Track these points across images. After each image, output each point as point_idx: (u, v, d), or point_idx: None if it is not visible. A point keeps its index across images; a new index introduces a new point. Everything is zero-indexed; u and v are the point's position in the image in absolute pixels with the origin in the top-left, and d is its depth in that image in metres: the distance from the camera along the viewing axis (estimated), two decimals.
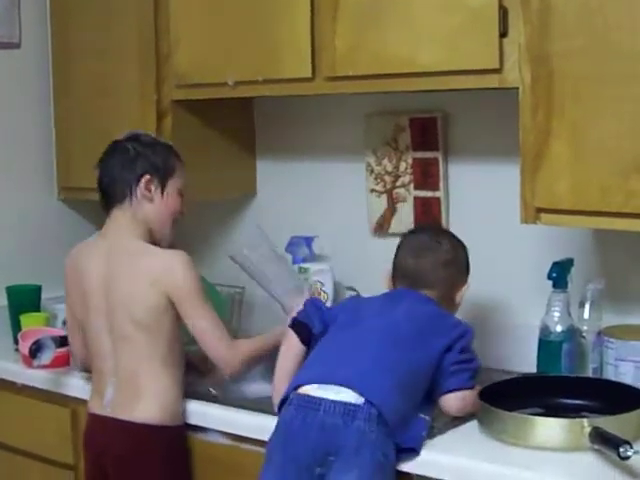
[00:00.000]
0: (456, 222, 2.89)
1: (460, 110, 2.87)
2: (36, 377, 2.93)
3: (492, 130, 2.80)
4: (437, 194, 2.92)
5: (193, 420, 2.58)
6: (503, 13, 2.36)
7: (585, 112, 2.22)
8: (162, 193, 2.63)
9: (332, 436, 2.15)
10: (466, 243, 2.56)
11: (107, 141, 2.70)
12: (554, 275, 2.54)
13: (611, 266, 2.64)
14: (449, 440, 2.25)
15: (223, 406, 2.58)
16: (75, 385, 2.84)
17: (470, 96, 2.74)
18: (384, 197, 3.03)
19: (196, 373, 2.75)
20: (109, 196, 2.62)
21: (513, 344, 2.75)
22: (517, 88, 2.33)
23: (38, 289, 3.19)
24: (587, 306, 2.56)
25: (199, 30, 2.97)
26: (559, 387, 2.38)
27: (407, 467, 2.19)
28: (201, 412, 2.58)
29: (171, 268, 2.53)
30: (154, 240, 2.62)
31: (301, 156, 3.25)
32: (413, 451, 2.18)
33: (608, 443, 2.01)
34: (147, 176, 2.61)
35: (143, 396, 2.53)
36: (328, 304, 2.97)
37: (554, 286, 2.55)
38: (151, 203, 2.62)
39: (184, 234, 3.18)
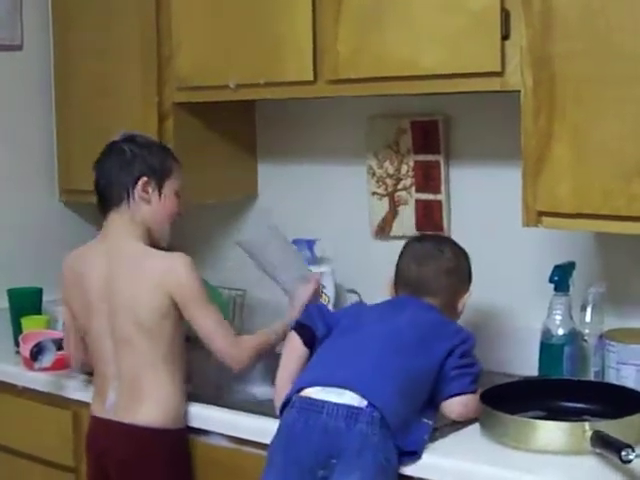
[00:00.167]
0: (457, 225, 2.89)
1: (462, 113, 2.87)
2: (37, 380, 2.93)
3: (494, 133, 2.80)
4: (439, 197, 2.92)
5: (195, 423, 2.58)
6: (505, 16, 2.36)
7: (587, 115, 2.22)
8: (159, 194, 2.63)
9: (335, 439, 2.15)
10: (467, 246, 2.56)
11: None
12: (556, 278, 2.54)
13: (613, 269, 2.63)
14: (451, 443, 2.25)
15: (225, 409, 2.57)
16: (76, 387, 2.84)
17: (472, 99, 2.74)
18: (386, 200, 3.03)
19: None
20: (106, 198, 2.62)
21: (515, 347, 2.75)
22: (519, 91, 2.33)
23: (39, 292, 3.19)
24: (589, 309, 2.55)
25: (201, 33, 2.97)
26: (561, 390, 2.38)
27: (409, 470, 2.19)
28: (203, 415, 2.57)
29: (173, 270, 2.53)
30: (153, 241, 2.62)
31: (302, 159, 3.25)
32: (415, 454, 2.18)
33: (610, 447, 2.01)
34: (144, 178, 2.60)
35: (145, 399, 2.53)
36: (330, 307, 2.97)
37: (556, 289, 2.55)
38: (149, 205, 2.61)
39: (185, 236, 3.19)
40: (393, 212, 3.02)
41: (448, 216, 2.91)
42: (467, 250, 2.56)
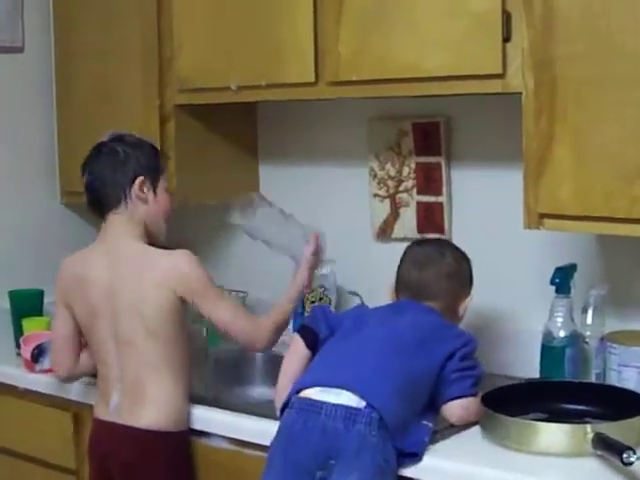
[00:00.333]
0: (459, 227, 2.89)
1: (463, 115, 2.87)
2: (38, 381, 2.93)
3: (495, 135, 2.80)
4: (440, 199, 2.92)
5: (196, 425, 2.58)
6: (506, 18, 2.36)
7: (588, 117, 2.22)
8: (154, 193, 2.63)
9: (333, 440, 2.16)
10: (468, 248, 2.56)
11: None
12: (557, 280, 2.54)
13: (614, 272, 2.63)
14: (452, 445, 2.24)
15: (226, 411, 2.57)
16: (77, 389, 2.83)
17: (473, 101, 2.74)
18: (387, 202, 3.03)
19: None
20: (102, 200, 2.61)
21: (516, 349, 2.75)
22: (520, 93, 2.32)
23: (40, 293, 3.18)
24: (590, 312, 2.55)
25: (202, 34, 2.97)
26: (562, 392, 2.38)
27: (410, 472, 2.18)
28: (204, 417, 2.57)
29: (178, 266, 2.53)
30: (151, 240, 2.63)
31: (304, 160, 3.25)
32: (416, 456, 2.18)
33: (611, 449, 2.01)
34: (140, 177, 2.60)
35: (148, 402, 2.52)
36: (331, 308, 2.97)
37: (557, 291, 2.55)
38: (146, 204, 2.62)
39: (187, 237, 3.19)
40: (394, 214, 3.02)
41: (449, 218, 2.91)
42: (468, 252, 2.56)
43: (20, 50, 3.44)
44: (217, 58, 2.93)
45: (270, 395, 2.55)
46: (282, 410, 2.29)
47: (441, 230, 2.91)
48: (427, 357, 2.30)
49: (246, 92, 2.88)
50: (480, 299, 2.58)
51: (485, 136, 2.83)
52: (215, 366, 2.89)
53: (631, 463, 1.95)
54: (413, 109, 2.93)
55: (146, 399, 2.53)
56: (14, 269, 3.35)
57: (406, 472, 2.18)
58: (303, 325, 2.52)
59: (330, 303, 3.05)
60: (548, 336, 2.55)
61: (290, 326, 3.01)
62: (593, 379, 2.54)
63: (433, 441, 2.23)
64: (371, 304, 2.61)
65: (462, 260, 2.54)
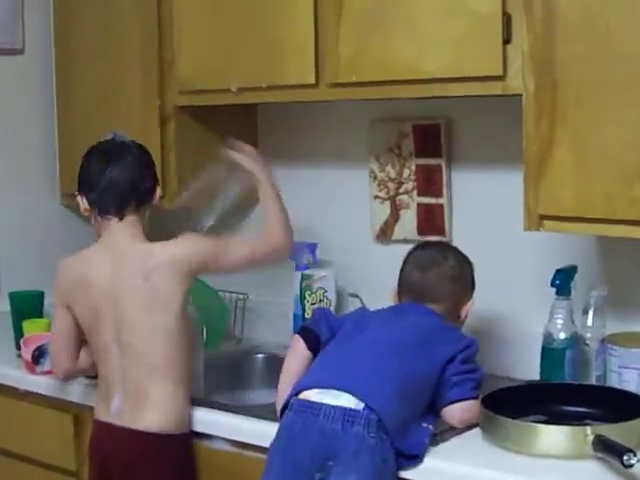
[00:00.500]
0: (459, 229, 2.89)
1: (463, 117, 2.87)
2: (39, 383, 2.92)
3: (495, 137, 2.79)
4: (440, 201, 2.92)
5: (197, 427, 2.57)
6: (506, 20, 2.36)
7: (588, 119, 2.22)
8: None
9: (331, 441, 2.16)
10: (469, 250, 2.56)
11: None
12: (557, 282, 2.54)
13: (615, 273, 2.63)
14: (452, 447, 2.24)
15: (227, 413, 2.57)
16: (78, 391, 2.83)
17: (474, 103, 2.74)
18: (387, 204, 3.03)
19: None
20: (123, 200, 2.59)
21: (516, 351, 2.74)
22: (521, 95, 2.32)
23: (41, 295, 3.18)
24: (590, 313, 2.55)
25: (202, 36, 2.97)
26: (562, 394, 2.38)
27: (410, 474, 2.18)
28: (205, 419, 2.57)
29: (179, 253, 2.56)
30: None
31: (304, 162, 3.25)
32: (416, 458, 2.18)
33: (611, 451, 2.01)
34: (158, 185, 2.66)
35: (150, 404, 2.52)
36: (331, 310, 2.97)
37: (557, 293, 2.54)
38: (151, 203, 2.66)
39: None
40: (395, 216, 3.02)
41: (450, 220, 2.91)
42: (468, 254, 2.56)
43: (20, 52, 3.45)
44: (217, 59, 2.93)
45: (271, 397, 2.55)
46: (282, 412, 2.29)
47: (441, 232, 2.91)
48: (428, 359, 2.30)
49: (246, 94, 2.88)
50: (480, 301, 2.58)
51: (485, 138, 2.83)
52: (215, 368, 2.89)
53: (631, 465, 1.95)
54: (413, 111, 2.93)
55: (148, 401, 2.52)
56: (14, 270, 3.35)
57: (406, 474, 2.18)
58: (304, 326, 2.53)
59: (330, 305, 3.05)
60: (548, 338, 2.55)
61: (291, 328, 3.03)
62: (593, 381, 2.53)
63: (433, 443, 2.23)
64: (371, 306, 2.61)
65: (465, 263, 2.54)
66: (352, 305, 2.94)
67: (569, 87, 2.24)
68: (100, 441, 2.61)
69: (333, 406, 2.18)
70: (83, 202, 2.65)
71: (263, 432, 2.38)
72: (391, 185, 3.02)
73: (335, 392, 2.21)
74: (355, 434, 2.14)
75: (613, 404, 2.28)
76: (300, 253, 3.09)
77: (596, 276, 2.63)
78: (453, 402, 2.31)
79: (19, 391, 3.00)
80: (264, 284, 3.30)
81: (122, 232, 2.60)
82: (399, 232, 3.01)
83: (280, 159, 3.30)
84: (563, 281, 2.54)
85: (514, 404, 2.29)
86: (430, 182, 2.93)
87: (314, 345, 2.45)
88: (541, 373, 2.57)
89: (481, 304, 2.63)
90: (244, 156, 2.77)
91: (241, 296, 3.29)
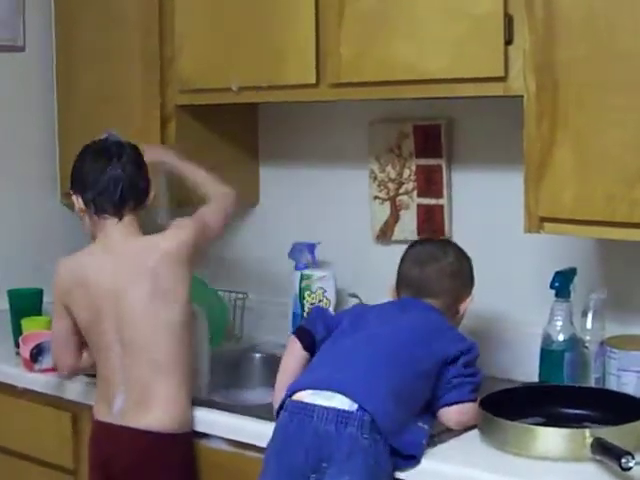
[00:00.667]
0: (459, 230, 2.89)
1: (464, 117, 2.87)
2: (37, 381, 2.92)
3: (496, 138, 2.79)
4: (440, 201, 2.92)
5: (196, 427, 2.57)
6: (508, 21, 2.36)
7: (589, 120, 2.22)
8: None
9: (325, 443, 2.15)
10: (469, 251, 2.56)
11: None
12: (557, 284, 2.53)
13: (614, 276, 2.63)
14: (450, 449, 2.24)
15: (226, 413, 2.57)
16: (76, 389, 2.83)
17: (474, 103, 2.74)
18: (387, 204, 3.03)
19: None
20: (122, 200, 2.59)
21: (515, 353, 2.74)
22: (522, 96, 2.32)
23: (40, 293, 3.18)
24: (590, 316, 2.55)
25: (203, 35, 2.97)
26: (561, 397, 2.38)
27: (408, 475, 2.18)
28: (204, 419, 2.57)
29: (180, 234, 2.59)
30: None
31: (304, 162, 3.25)
32: (414, 459, 2.17)
33: (610, 454, 2.01)
34: (150, 181, 2.66)
35: (154, 404, 2.51)
36: (330, 310, 2.97)
37: (557, 295, 2.54)
38: (146, 204, 2.68)
39: None
40: (395, 216, 3.01)
41: (450, 221, 2.91)
42: (468, 254, 2.56)
43: (21, 49, 3.44)
44: (218, 59, 2.93)
45: (269, 396, 2.54)
46: (278, 412, 2.29)
47: (441, 233, 2.91)
48: (426, 359, 2.30)
49: (247, 93, 2.88)
50: (480, 302, 2.58)
51: (486, 139, 2.83)
52: (215, 367, 2.88)
53: (629, 468, 1.95)
54: (414, 111, 2.93)
55: (152, 400, 2.51)
56: (13, 268, 3.35)
57: (404, 475, 2.18)
58: (300, 326, 2.53)
59: (329, 305, 3.05)
60: (547, 340, 2.55)
61: (290, 328, 3.02)
62: (592, 383, 2.53)
63: (431, 444, 2.23)
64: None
65: (464, 259, 2.54)
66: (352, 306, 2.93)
67: (570, 88, 2.23)
68: (102, 442, 2.59)
69: (326, 407, 2.17)
70: (78, 202, 2.64)
71: (262, 432, 2.37)
72: (391, 185, 3.01)
73: (328, 393, 2.20)
74: (348, 435, 2.14)
75: (612, 407, 2.28)
76: (300, 253, 3.09)
77: (595, 279, 2.63)
78: (451, 404, 2.30)
79: (17, 389, 3.00)
80: (264, 283, 3.30)
81: (120, 231, 2.60)
82: (399, 232, 3.00)
83: (280, 159, 3.31)
84: (562, 283, 2.54)
85: (513, 406, 2.29)
86: (430, 183, 2.93)
87: (310, 345, 2.44)
88: (540, 375, 2.57)
89: (480, 305, 2.63)
90: (148, 152, 2.76)
91: (240, 295, 3.29)
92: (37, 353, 2.86)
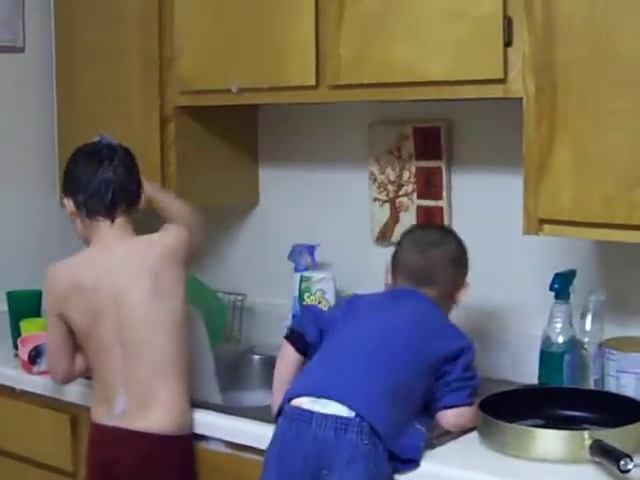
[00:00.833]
0: (458, 232, 2.86)
1: (464, 119, 2.87)
2: (35, 383, 2.92)
3: (496, 140, 2.79)
4: (440, 203, 2.92)
5: (195, 429, 2.56)
6: (507, 23, 2.36)
7: (588, 123, 2.22)
8: None
9: (324, 449, 2.14)
10: (468, 253, 2.56)
11: None
12: (556, 286, 2.53)
13: (613, 278, 2.63)
14: (449, 451, 2.24)
15: (225, 415, 2.57)
16: (75, 391, 2.83)
17: (474, 105, 2.74)
18: (387, 206, 3.02)
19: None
20: (114, 202, 2.59)
21: (515, 355, 2.74)
22: (521, 98, 2.32)
23: (38, 294, 3.17)
24: (589, 318, 2.55)
25: (203, 36, 2.97)
26: (560, 399, 2.37)
27: (407, 478, 2.18)
28: (202, 421, 2.56)
29: (174, 234, 2.61)
30: None
31: (304, 164, 3.25)
32: (413, 462, 2.17)
33: (609, 456, 2.01)
34: (142, 183, 2.67)
35: (155, 405, 2.51)
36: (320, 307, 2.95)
37: (556, 297, 2.54)
38: (139, 206, 2.67)
39: None
40: (394, 218, 3.01)
41: (449, 222, 2.90)
42: (468, 257, 2.55)
43: (21, 50, 3.44)
44: (218, 60, 2.93)
45: (268, 398, 2.54)
46: (276, 416, 2.27)
47: None
48: (425, 355, 2.27)
49: (247, 95, 2.88)
50: (479, 304, 2.58)
51: (485, 141, 2.83)
52: (215, 370, 2.88)
53: (628, 470, 1.95)
54: (414, 113, 2.93)
55: (152, 402, 2.51)
56: (12, 270, 3.34)
57: (404, 478, 2.18)
58: (290, 329, 2.50)
59: (329, 307, 3.04)
60: (547, 342, 2.55)
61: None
62: (591, 385, 2.53)
63: (430, 447, 2.22)
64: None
65: (462, 246, 2.51)
66: None
67: (569, 90, 2.23)
68: (102, 444, 2.58)
69: (325, 414, 2.16)
70: (69, 204, 2.64)
71: (260, 434, 2.37)
72: (391, 187, 3.01)
73: (324, 401, 2.18)
74: (348, 442, 2.12)
75: (611, 409, 2.28)
76: (299, 255, 3.09)
77: (595, 280, 2.63)
78: (449, 407, 2.29)
79: (16, 391, 3.00)
80: (263, 285, 3.30)
81: (113, 234, 2.59)
82: (399, 234, 2.99)
83: (280, 161, 3.30)
84: (562, 285, 2.53)
85: (512, 408, 2.29)
86: (430, 185, 2.93)
87: (302, 347, 2.42)
88: (539, 377, 2.57)
89: (479, 307, 2.63)
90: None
91: (240, 297, 3.29)
92: (36, 355, 2.86)
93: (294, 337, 2.45)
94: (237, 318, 3.30)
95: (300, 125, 3.24)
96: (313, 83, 2.71)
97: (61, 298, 2.59)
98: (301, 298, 3.05)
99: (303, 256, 3.09)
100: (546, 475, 2.09)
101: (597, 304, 2.54)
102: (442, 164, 2.90)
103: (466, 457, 2.20)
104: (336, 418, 2.15)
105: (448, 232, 2.56)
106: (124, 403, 2.53)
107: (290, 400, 2.24)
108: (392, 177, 3.01)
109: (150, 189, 2.76)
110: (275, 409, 2.31)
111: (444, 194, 2.91)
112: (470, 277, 2.51)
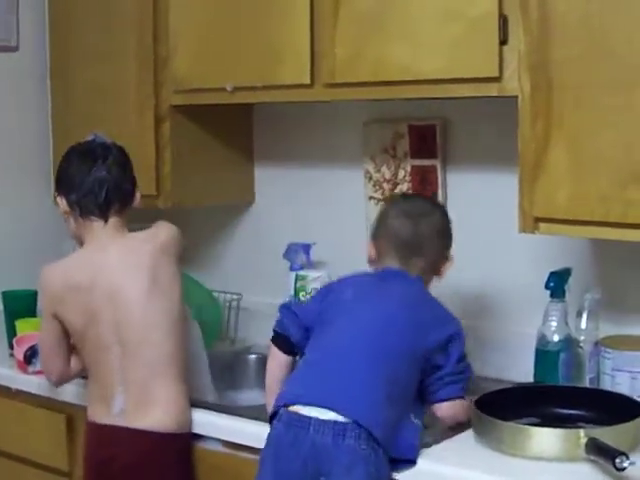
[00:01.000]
0: (454, 230, 2.87)
1: (459, 118, 2.87)
2: (31, 382, 2.92)
3: (491, 138, 2.79)
4: None
5: (192, 428, 2.56)
6: (503, 21, 2.36)
7: (584, 121, 2.22)
8: None
9: (323, 455, 2.12)
10: (464, 251, 2.55)
11: None
12: (551, 285, 2.53)
13: (609, 276, 2.63)
14: (445, 450, 2.24)
15: (222, 414, 2.57)
16: (70, 391, 2.82)
17: (469, 104, 2.74)
18: (382, 204, 3.02)
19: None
20: (107, 201, 2.58)
21: (510, 353, 2.74)
22: (516, 96, 2.32)
23: (34, 294, 3.16)
24: (584, 316, 2.55)
25: (198, 35, 2.96)
26: (556, 397, 2.38)
27: (404, 477, 2.18)
28: (199, 420, 2.56)
29: (166, 231, 2.62)
30: None
31: (299, 163, 3.25)
32: (410, 462, 2.17)
33: (604, 454, 2.01)
34: (136, 182, 2.66)
35: (154, 403, 2.50)
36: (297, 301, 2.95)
37: (551, 296, 2.54)
38: (132, 206, 2.66)
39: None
40: None
41: None
42: (463, 255, 2.54)
43: (15, 49, 3.44)
44: (213, 59, 2.93)
45: (264, 398, 2.54)
46: (270, 418, 2.25)
47: None
48: (419, 344, 2.24)
49: (242, 93, 2.88)
50: (475, 302, 2.58)
51: (481, 139, 2.83)
52: (209, 368, 2.88)
53: (624, 468, 1.95)
54: (409, 112, 2.93)
55: (151, 401, 2.50)
56: (7, 270, 3.34)
57: (400, 477, 2.18)
58: (274, 331, 2.44)
59: None
60: (542, 340, 2.55)
61: None
62: (587, 383, 2.53)
63: (426, 445, 2.22)
64: None
65: (448, 217, 2.45)
66: None
67: (565, 89, 2.23)
68: (101, 443, 2.56)
69: (322, 420, 2.14)
70: (62, 203, 2.63)
71: (257, 433, 2.37)
72: (386, 186, 3.01)
73: (321, 410, 2.15)
74: (347, 447, 2.11)
75: (606, 407, 2.28)
76: (295, 254, 3.08)
77: (590, 279, 2.63)
78: (444, 400, 2.28)
79: (11, 390, 3.00)
80: (258, 284, 3.30)
81: (107, 233, 2.59)
82: None
83: (275, 159, 3.30)
84: (557, 283, 2.54)
85: (507, 406, 2.29)
86: (425, 183, 2.93)
87: (289, 348, 2.40)
88: (534, 375, 2.57)
89: (475, 305, 2.63)
90: None
91: (235, 296, 3.28)
92: (31, 355, 2.85)
93: (279, 340, 2.41)
94: (232, 317, 3.30)
95: (295, 124, 3.24)
96: (308, 82, 2.71)
97: (56, 299, 2.58)
98: (297, 297, 3.05)
99: (298, 255, 3.08)
100: (542, 473, 2.09)
101: (592, 302, 2.54)
102: (437, 162, 2.90)
103: (462, 455, 2.20)
104: (334, 424, 2.13)
105: (435, 203, 2.55)
106: (123, 402, 2.52)
107: (287, 405, 2.21)
108: (387, 175, 3.01)
109: None
110: (270, 406, 2.30)
111: (439, 192, 2.90)
112: (465, 273, 2.51)
